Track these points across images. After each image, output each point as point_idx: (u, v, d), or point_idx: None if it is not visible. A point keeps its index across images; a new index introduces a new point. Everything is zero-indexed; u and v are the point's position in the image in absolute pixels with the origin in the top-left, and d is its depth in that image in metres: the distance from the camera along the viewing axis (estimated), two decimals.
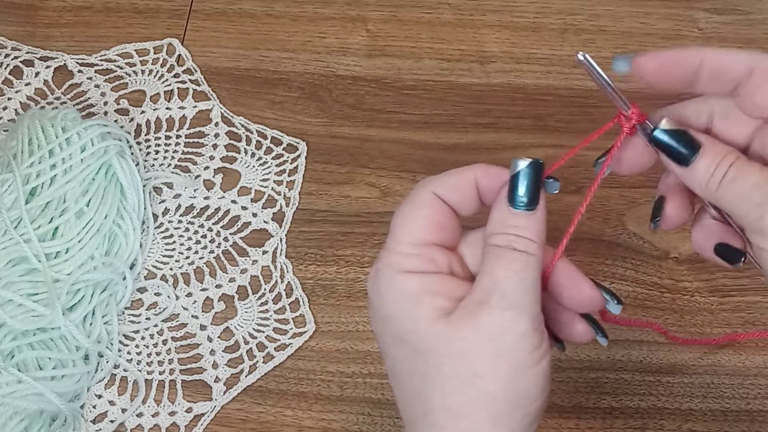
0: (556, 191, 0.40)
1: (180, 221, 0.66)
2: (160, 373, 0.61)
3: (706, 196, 0.38)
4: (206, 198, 0.66)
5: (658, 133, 0.37)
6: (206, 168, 0.68)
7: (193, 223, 0.66)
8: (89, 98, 0.71)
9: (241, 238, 0.65)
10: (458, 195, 0.39)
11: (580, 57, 0.37)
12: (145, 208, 0.65)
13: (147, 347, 0.62)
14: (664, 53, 0.37)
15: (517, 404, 0.36)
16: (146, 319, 0.62)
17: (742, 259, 0.40)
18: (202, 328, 0.62)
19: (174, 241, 0.65)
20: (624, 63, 0.38)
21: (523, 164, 0.38)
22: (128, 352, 0.61)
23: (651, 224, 0.41)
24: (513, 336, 0.36)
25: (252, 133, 0.69)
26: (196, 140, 0.69)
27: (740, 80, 0.37)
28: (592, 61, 0.37)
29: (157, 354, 0.61)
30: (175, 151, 0.69)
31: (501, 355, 0.36)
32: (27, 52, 0.73)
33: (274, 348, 0.61)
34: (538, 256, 0.38)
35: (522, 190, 0.38)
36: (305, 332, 0.61)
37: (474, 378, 0.36)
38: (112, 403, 0.60)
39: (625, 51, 0.70)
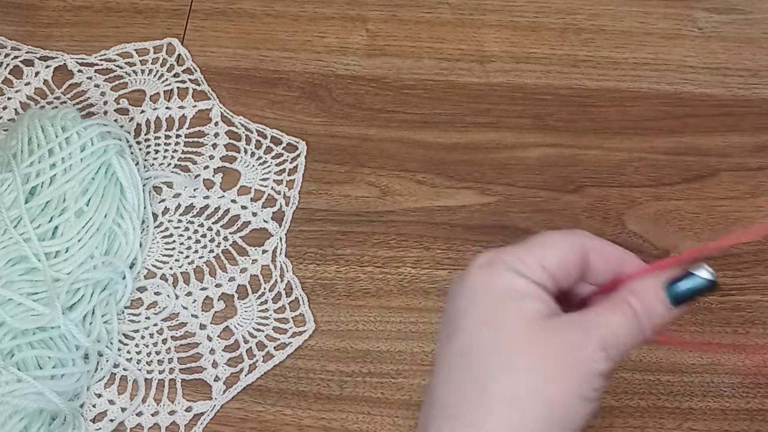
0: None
1: (180, 220, 0.66)
2: (160, 372, 0.61)
3: None
4: (206, 197, 0.66)
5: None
6: (206, 167, 0.68)
7: (192, 223, 0.66)
8: (89, 98, 0.71)
9: (240, 237, 0.65)
10: (602, 265, 0.40)
11: None
12: (144, 208, 0.65)
13: (147, 346, 0.62)
14: None
15: (565, 426, 0.38)
16: (146, 318, 0.62)
17: None
18: (202, 327, 0.62)
19: (174, 241, 0.65)
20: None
21: (705, 276, 0.39)
22: (128, 351, 0.61)
23: None
24: (594, 372, 0.38)
25: (252, 132, 0.69)
26: (195, 140, 0.69)
27: None
28: None
29: (157, 353, 0.61)
30: (174, 151, 0.69)
31: (577, 378, 0.37)
32: (27, 52, 0.73)
33: (274, 347, 0.61)
34: (648, 339, 0.39)
35: (684, 289, 0.39)
36: (305, 331, 0.61)
37: (545, 381, 0.37)
38: (111, 402, 0.60)
39: (625, 50, 0.71)
